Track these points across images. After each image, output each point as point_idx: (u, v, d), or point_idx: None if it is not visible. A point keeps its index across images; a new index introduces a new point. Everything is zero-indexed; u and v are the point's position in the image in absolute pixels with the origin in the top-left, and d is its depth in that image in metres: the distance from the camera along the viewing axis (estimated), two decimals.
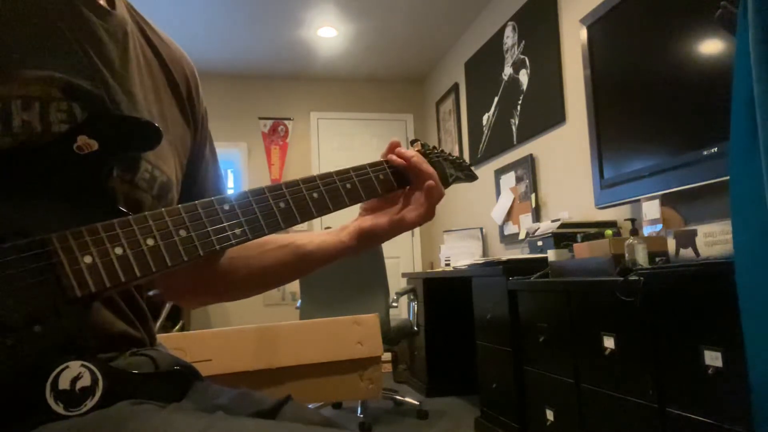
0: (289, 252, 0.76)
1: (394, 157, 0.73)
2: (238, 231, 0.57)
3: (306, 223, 0.70)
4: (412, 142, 0.82)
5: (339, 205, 0.66)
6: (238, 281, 0.77)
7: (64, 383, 0.46)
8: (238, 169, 4.97)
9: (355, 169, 0.69)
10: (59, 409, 0.45)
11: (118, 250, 0.49)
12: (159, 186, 0.61)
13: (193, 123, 0.72)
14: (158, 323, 3.54)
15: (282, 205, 0.61)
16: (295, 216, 0.61)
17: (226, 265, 0.75)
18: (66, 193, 0.51)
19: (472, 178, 0.88)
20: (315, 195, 0.64)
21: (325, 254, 0.75)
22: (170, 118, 0.67)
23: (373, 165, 0.71)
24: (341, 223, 0.78)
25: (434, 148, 0.83)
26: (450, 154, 0.85)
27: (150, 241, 0.51)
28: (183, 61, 0.73)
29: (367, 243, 0.75)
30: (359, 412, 3.06)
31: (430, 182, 0.72)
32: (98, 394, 0.47)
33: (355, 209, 0.77)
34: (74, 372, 0.46)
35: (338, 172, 0.67)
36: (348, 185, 0.67)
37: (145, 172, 0.59)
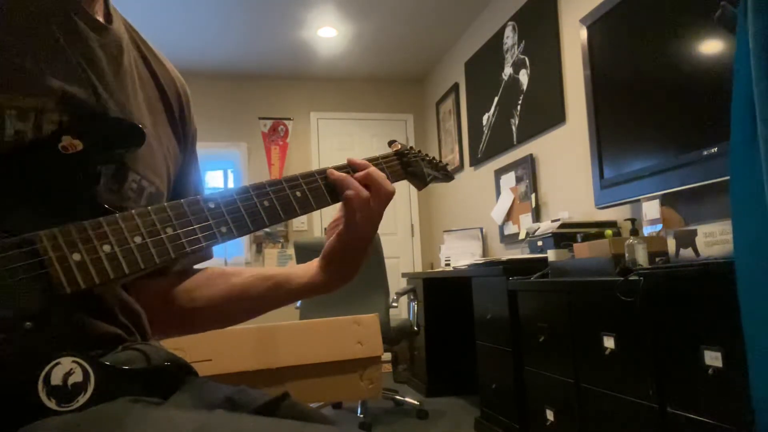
0: (259, 281, 0.74)
1: (332, 171, 0.70)
2: (224, 229, 0.57)
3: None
4: (390, 143, 0.84)
5: (321, 204, 0.67)
6: (202, 309, 0.74)
7: (56, 379, 0.46)
8: (238, 169, 4.97)
9: (337, 168, 0.70)
10: (52, 404, 0.46)
11: (107, 248, 0.50)
12: (147, 197, 0.61)
13: (184, 140, 0.73)
14: None
15: (266, 203, 0.62)
16: (279, 214, 0.62)
17: (190, 290, 0.74)
18: (52, 193, 0.51)
19: (449, 177, 0.90)
20: (298, 193, 0.65)
21: (299, 284, 0.73)
22: (162, 132, 0.68)
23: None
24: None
25: (411, 148, 0.84)
26: (426, 155, 0.87)
27: (138, 239, 0.52)
28: (177, 81, 0.74)
29: (335, 265, 0.73)
30: (359, 412, 3.06)
31: (349, 192, 0.68)
32: (90, 389, 0.48)
33: None
34: (66, 368, 0.47)
35: (319, 171, 0.68)
36: (330, 184, 0.68)
37: (132, 183, 0.59)
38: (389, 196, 0.69)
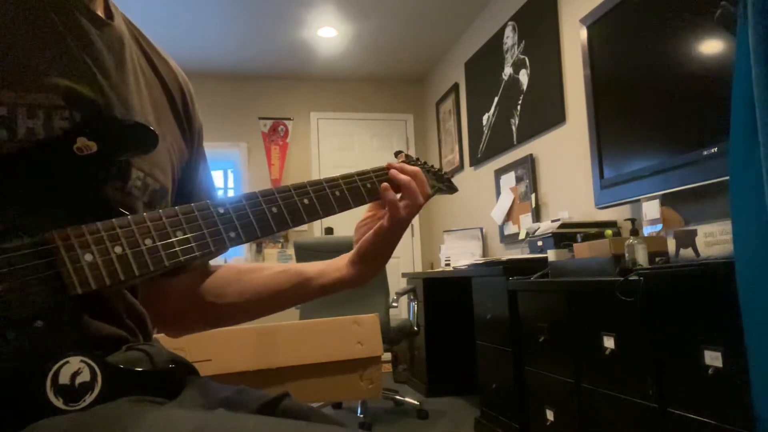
0: (289, 276, 0.76)
1: (395, 172, 0.75)
2: (232, 234, 0.58)
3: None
4: (396, 154, 0.86)
5: (329, 212, 0.68)
6: (234, 304, 0.76)
7: (64, 378, 0.46)
8: (238, 169, 4.97)
9: (343, 177, 0.72)
10: (59, 403, 0.46)
11: (118, 249, 0.50)
12: (150, 193, 0.62)
13: (189, 136, 0.74)
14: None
15: (274, 210, 0.63)
16: (286, 221, 0.63)
17: (219, 286, 0.76)
18: (66, 193, 0.52)
19: (453, 189, 0.92)
20: (306, 201, 0.66)
21: (331, 279, 0.76)
22: (167, 128, 0.68)
23: (360, 174, 0.74)
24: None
25: (417, 159, 0.86)
26: (432, 166, 0.88)
27: (148, 241, 0.52)
28: (179, 77, 0.74)
29: (369, 259, 0.75)
30: (359, 412, 3.06)
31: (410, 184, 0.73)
32: (97, 389, 0.48)
33: (352, 213, 0.78)
34: (74, 367, 0.47)
35: (327, 180, 0.70)
36: (337, 192, 0.70)
37: (137, 180, 0.59)
38: (428, 195, 0.76)
